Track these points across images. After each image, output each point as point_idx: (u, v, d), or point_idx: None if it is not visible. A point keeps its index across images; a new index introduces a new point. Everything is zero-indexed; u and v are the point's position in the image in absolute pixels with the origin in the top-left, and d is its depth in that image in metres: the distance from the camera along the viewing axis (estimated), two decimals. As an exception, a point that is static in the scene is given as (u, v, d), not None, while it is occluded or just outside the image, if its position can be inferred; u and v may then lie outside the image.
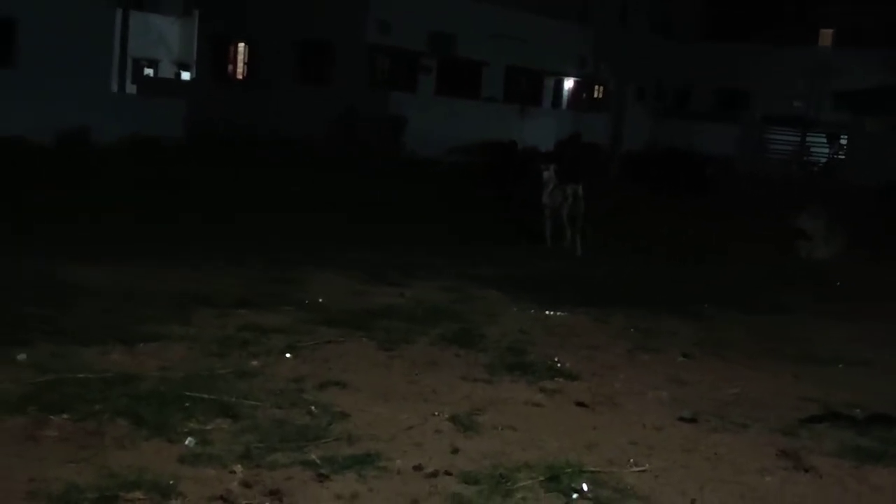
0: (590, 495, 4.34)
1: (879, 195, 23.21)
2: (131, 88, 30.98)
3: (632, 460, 4.85)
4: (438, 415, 5.33)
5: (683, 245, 13.48)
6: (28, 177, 13.70)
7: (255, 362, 6.08)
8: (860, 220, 16.08)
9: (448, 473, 4.49)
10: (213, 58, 31.35)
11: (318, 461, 4.49)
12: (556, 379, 6.27)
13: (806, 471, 4.93)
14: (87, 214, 11.37)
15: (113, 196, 12.89)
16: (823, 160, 33.95)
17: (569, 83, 36.49)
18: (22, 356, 5.71)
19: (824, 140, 34.13)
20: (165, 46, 38.15)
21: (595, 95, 37.44)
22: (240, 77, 30.91)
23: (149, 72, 37.64)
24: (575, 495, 4.33)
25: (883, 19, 34.46)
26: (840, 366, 7.33)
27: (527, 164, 18.48)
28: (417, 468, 4.53)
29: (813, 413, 5.91)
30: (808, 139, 34.25)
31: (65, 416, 4.79)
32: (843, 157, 33.52)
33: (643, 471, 4.73)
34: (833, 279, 11.64)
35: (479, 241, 12.55)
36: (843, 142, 33.71)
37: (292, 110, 26.65)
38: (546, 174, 12.81)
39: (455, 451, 4.81)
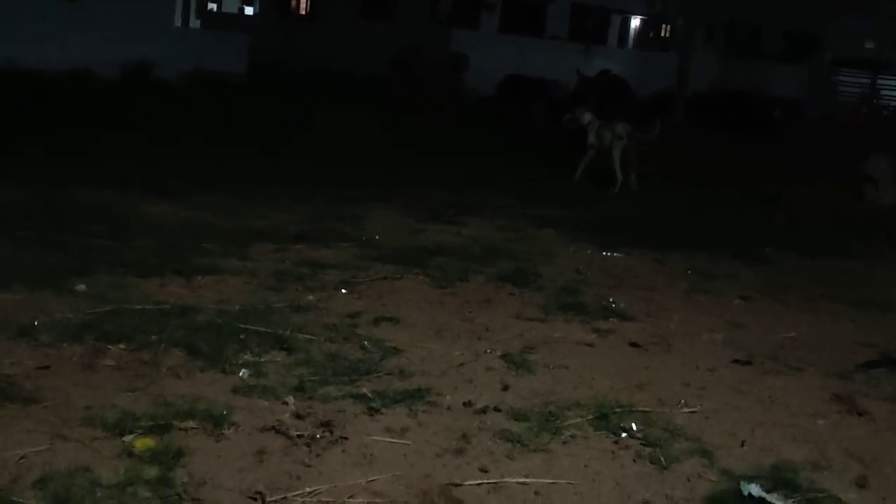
0: (639, 435, 4.33)
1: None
2: (195, 23, 31.10)
3: (683, 401, 4.82)
4: (490, 352, 5.35)
5: (748, 188, 13.31)
6: (93, 111, 13.85)
7: (310, 297, 6.14)
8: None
9: (497, 410, 4.51)
10: (277, -7, 31.32)
11: (369, 395, 4.53)
12: (610, 319, 6.25)
13: (860, 415, 4.87)
14: (150, 149, 11.50)
15: (176, 131, 12.99)
16: (894, 103, 33.11)
17: (635, 22, 35.91)
18: (81, 286, 5.81)
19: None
20: (231, -19, 38.19)
21: (662, 35, 36.83)
22: (303, 13, 30.85)
23: (212, 6, 37.72)
24: (624, 434, 4.33)
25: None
26: (900, 311, 7.22)
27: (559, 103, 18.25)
28: (467, 404, 4.55)
29: (869, 358, 5.83)
30: (878, 82, 33.41)
31: (122, 345, 4.88)
32: (915, 99, 32.63)
33: (694, 412, 4.70)
34: (898, 224, 11.45)
35: (539, 180, 12.50)
36: (917, 84, 32.80)
37: (355, 46, 26.58)
38: (586, 117, 12.63)
39: (505, 388, 4.83)
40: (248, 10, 37.24)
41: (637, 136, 12.37)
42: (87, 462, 3.63)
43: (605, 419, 4.46)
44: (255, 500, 3.50)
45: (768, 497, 3.78)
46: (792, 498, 3.81)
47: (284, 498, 3.53)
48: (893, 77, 32.91)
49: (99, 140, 11.56)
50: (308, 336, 5.31)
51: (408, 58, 24.85)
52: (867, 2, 34.69)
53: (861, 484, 4.06)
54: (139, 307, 5.52)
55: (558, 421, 4.42)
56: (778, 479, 3.98)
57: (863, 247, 9.83)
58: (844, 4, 34.81)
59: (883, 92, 32.88)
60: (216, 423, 4.07)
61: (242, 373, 4.67)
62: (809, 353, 5.86)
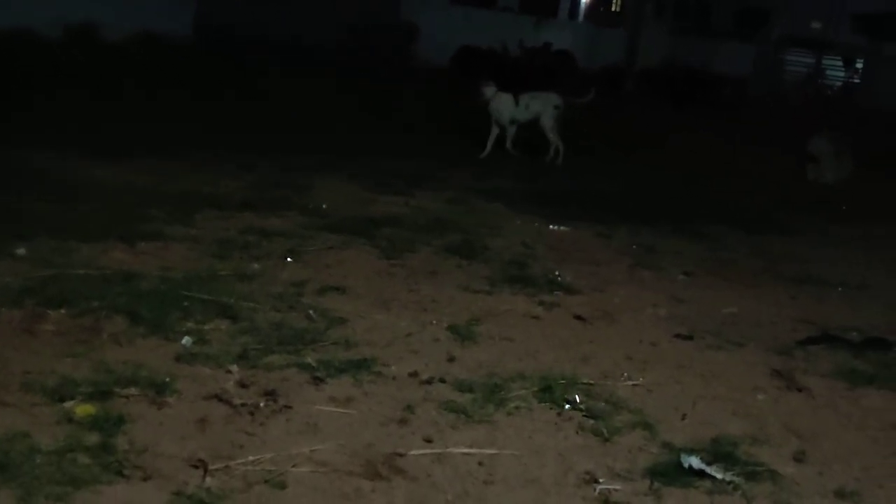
0: (582, 406, 4.37)
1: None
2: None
3: (626, 374, 4.88)
4: (436, 323, 5.36)
5: (693, 164, 13.41)
6: (34, 72, 13.58)
7: (255, 265, 6.10)
8: (871, 145, 15.93)
9: (443, 381, 4.53)
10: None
11: (314, 364, 4.52)
12: (555, 293, 6.28)
13: (799, 390, 4.95)
14: (94, 111, 11.30)
15: (120, 94, 12.79)
16: (838, 84, 33.50)
17: (586, -5, 35.88)
18: (21, 251, 5.72)
19: (840, 63, 33.64)
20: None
21: (613, 9, 36.86)
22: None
23: (160, -31, 37.07)
24: (567, 406, 4.37)
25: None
26: (839, 288, 7.33)
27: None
28: (413, 374, 4.57)
29: (809, 334, 5.92)
30: (823, 62, 33.76)
31: (62, 310, 4.82)
32: (858, 81, 33.06)
33: (636, 385, 4.76)
34: (840, 202, 11.59)
35: (489, 152, 12.48)
36: (859, 66, 33.21)
37: (304, 14, 26.26)
38: (488, 90, 12.54)
39: (451, 359, 4.85)
40: (196, -27, 36.67)
41: (572, 101, 12.44)
42: (26, 428, 3.59)
43: (549, 391, 4.49)
44: (196, 467, 3.48)
45: (708, 469, 3.83)
46: (731, 471, 3.87)
47: (227, 466, 3.51)
48: (837, 58, 33.29)
49: (40, 102, 11.34)
50: (252, 304, 5.28)
51: (360, 25, 24.62)
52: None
53: (799, 458, 4.13)
54: (81, 272, 5.46)
55: (503, 392, 4.45)
56: (717, 453, 4.04)
57: (804, 225, 9.95)
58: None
59: (827, 72, 33.27)
60: (158, 390, 4.05)
61: (185, 340, 4.63)
62: (750, 329, 5.94)
